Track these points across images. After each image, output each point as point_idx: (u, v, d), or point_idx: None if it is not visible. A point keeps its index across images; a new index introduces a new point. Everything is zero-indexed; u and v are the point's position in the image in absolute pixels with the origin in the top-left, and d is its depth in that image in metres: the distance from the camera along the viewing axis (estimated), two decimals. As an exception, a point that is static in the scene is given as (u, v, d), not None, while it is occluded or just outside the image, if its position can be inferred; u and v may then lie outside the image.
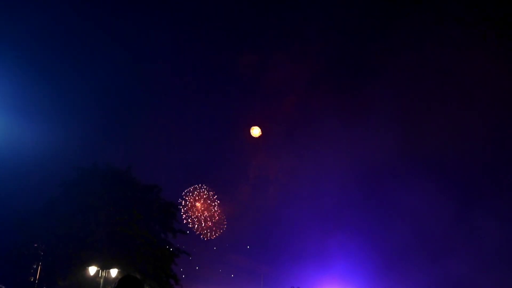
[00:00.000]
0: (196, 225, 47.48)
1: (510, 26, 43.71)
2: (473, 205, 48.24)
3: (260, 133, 49.30)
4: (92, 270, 25.73)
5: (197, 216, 47.44)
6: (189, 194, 48.24)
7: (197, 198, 48.02)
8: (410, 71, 48.80)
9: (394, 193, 49.28)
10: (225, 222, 47.88)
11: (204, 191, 48.25)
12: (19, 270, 27.25)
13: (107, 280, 26.45)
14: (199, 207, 47.54)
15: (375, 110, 48.68)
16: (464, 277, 44.59)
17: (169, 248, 29.08)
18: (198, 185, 48.42)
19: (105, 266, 26.25)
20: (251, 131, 49.17)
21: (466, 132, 46.95)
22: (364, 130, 48.61)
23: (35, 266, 27.23)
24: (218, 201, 48.27)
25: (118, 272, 26.27)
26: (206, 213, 47.37)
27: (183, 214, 47.29)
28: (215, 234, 47.76)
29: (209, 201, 47.84)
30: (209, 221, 47.58)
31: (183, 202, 48.00)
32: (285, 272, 47.29)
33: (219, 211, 47.98)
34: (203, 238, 47.45)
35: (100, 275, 26.07)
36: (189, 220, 47.55)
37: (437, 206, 48.66)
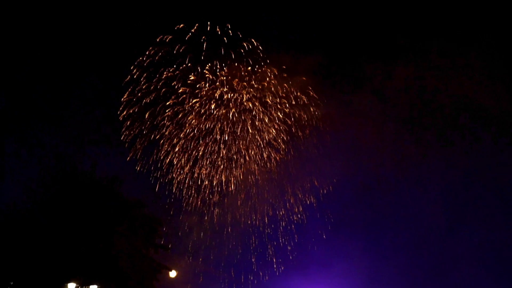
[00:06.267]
0: None
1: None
2: (476, 211, 48.64)
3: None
4: (71, 286, 25.31)
5: None
6: None
7: None
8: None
9: (390, 197, 49.53)
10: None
11: None
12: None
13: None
14: None
15: (371, 113, 48.64)
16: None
17: (151, 264, 28.81)
18: None
19: (85, 283, 25.93)
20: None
21: (468, 135, 47.56)
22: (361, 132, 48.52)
23: (12, 283, 26.36)
24: None
25: (98, 288, 25.91)
26: None
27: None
28: None
29: None
30: None
31: None
32: (274, 282, 46.36)
33: None
34: None
35: (79, 292, 25.61)
36: None
37: (437, 212, 48.85)
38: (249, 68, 40.86)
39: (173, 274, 34.69)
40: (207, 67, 39.14)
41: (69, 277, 25.64)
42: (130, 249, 27.98)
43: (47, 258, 26.64)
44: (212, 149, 41.86)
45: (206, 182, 41.86)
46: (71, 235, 27.09)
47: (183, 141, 40.06)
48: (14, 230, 27.63)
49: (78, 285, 25.67)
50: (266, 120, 43.58)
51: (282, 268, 45.31)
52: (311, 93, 44.18)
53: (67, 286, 25.33)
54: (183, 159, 40.57)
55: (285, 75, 42.99)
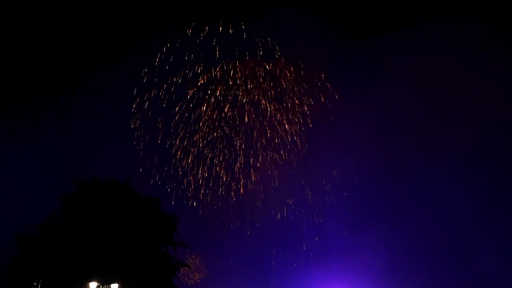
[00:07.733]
0: None
1: None
2: (502, 198, 46.94)
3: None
4: (93, 285, 25.50)
5: None
6: None
7: None
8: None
9: (411, 186, 48.47)
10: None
11: None
12: (19, 286, 26.92)
13: (108, 295, 26.18)
14: None
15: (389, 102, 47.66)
16: (492, 277, 43.56)
17: (170, 261, 28.81)
18: None
19: (106, 281, 26.06)
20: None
21: (496, 120, 46.19)
22: (387, 118, 47.65)
23: (35, 284, 26.92)
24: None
25: (119, 287, 26.00)
26: None
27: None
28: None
29: None
30: None
31: None
32: (293, 274, 45.64)
33: None
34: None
35: (101, 291, 25.84)
36: None
37: (462, 198, 47.31)
38: (264, 63, 40.52)
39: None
40: (220, 67, 39.05)
41: (91, 276, 25.83)
42: (149, 247, 28.09)
43: (70, 259, 27.11)
44: (229, 151, 41.67)
45: (224, 184, 41.65)
46: (92, 236, 27.47)
47: (198, 144, 39.96)
48: (44, 235, 28.34)
49: (99, 284, 25.83)
50: (283, 119, 43.18)
51: (303, 262, 44.82)
52: (329, 87, 43.60)
53: (89, 285, 25.53)
54: (199, 162, 40.50)
55: (302, 72, 42.54)
